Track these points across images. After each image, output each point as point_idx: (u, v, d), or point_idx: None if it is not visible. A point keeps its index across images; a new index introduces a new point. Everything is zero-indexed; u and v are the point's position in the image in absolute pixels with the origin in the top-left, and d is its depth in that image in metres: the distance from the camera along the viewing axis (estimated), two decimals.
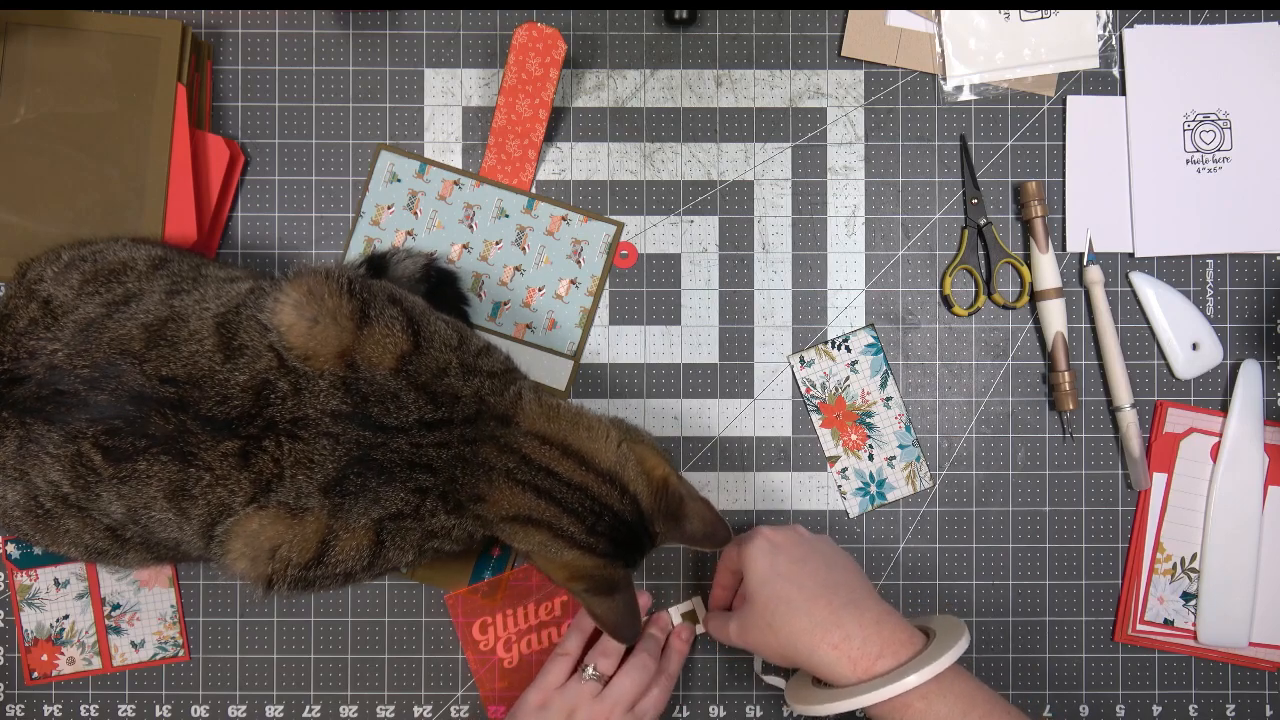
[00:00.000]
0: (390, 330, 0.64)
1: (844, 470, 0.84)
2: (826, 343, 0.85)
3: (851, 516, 0.85)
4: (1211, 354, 0.84)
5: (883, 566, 0.85)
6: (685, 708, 0.84)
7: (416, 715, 0.84)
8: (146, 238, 0.78)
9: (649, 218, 0.85)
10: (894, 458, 0.84)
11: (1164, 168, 0.85)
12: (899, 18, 0.84)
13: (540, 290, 0.84)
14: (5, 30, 0.78)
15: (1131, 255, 0.85)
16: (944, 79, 0.85)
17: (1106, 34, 0.85)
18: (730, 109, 0.85)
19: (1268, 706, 0.84)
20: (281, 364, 0.62)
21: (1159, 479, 0.84)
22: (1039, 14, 0.84)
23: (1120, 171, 0.85)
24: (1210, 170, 0.84)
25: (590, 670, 0.76)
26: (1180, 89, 0.85)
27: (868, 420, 0.84)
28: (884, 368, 0.84)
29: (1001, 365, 0.85)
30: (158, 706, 0.84)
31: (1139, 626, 0.84)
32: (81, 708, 0.83)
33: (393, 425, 0.63)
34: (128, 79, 0.79)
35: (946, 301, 0.85)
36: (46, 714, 0.83)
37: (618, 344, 0.85)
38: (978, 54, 0.84)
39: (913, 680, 0.64)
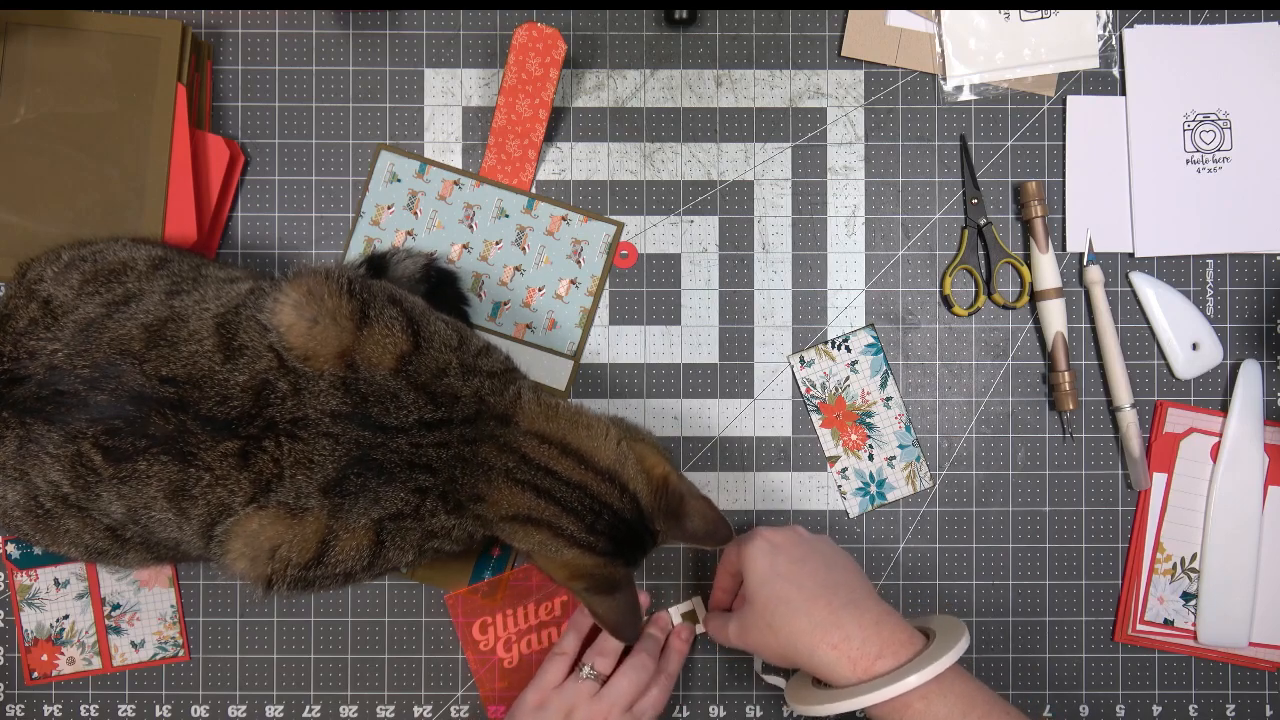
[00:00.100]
0: (390, 330, 0.64)
1: (844, 470, 0.84)
2: (826, 343, 0.85)
3: (851, 516, 0.85)
4: (1211, 354, 0.84)
5: (883, 566, 0.85)
6: (685, 708, 0.84)
7: (416, 715, 0.84)
8: (146, 238, 0.78)
9: (649, 218, 0.85)
10: (894, 458, 0.84)
11: (1164, 168, 0.85)
12: (899, 18, 0.84)
13: (540, 290, 0.84)
14: (5, 30, 0.78)
15: (1131, 255, 0.85)
16: (944, 79, 0.85)
17: (1106, 34, 0.85)
18: (730, 109, 0.85)
19: (1268, 706, 0.84)
20: (281, 364, 0.62)
21: (1159, 479, 0.84)
22: (1039, 14, 0.84)
23: (1120, 171, 0.85)
24: (1210, 170, 0.84)
25: (587, 670, 0.76)
26: (1180, 89, 0.85)
27: (868, 420, 0.84)
28: (884, 368, 0.84)
29: (1001, 365, 0.85)
30: (158, 706, 0.84)
31: (1139, 626, 0.84)
32: (81, 708, 0.83)
33: (392, 425, 0.63)
34: (128, 79, 0.79)
35: (946, 301, 0.85)
36: (46, 714, 0.83)
37: (618, 344, 0.85)
38: (978, 54, 0.84)
39: (913, 681, 0.64)
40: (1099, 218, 0.85)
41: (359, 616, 0.84)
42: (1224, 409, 0.84)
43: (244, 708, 0.84)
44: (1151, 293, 0.84)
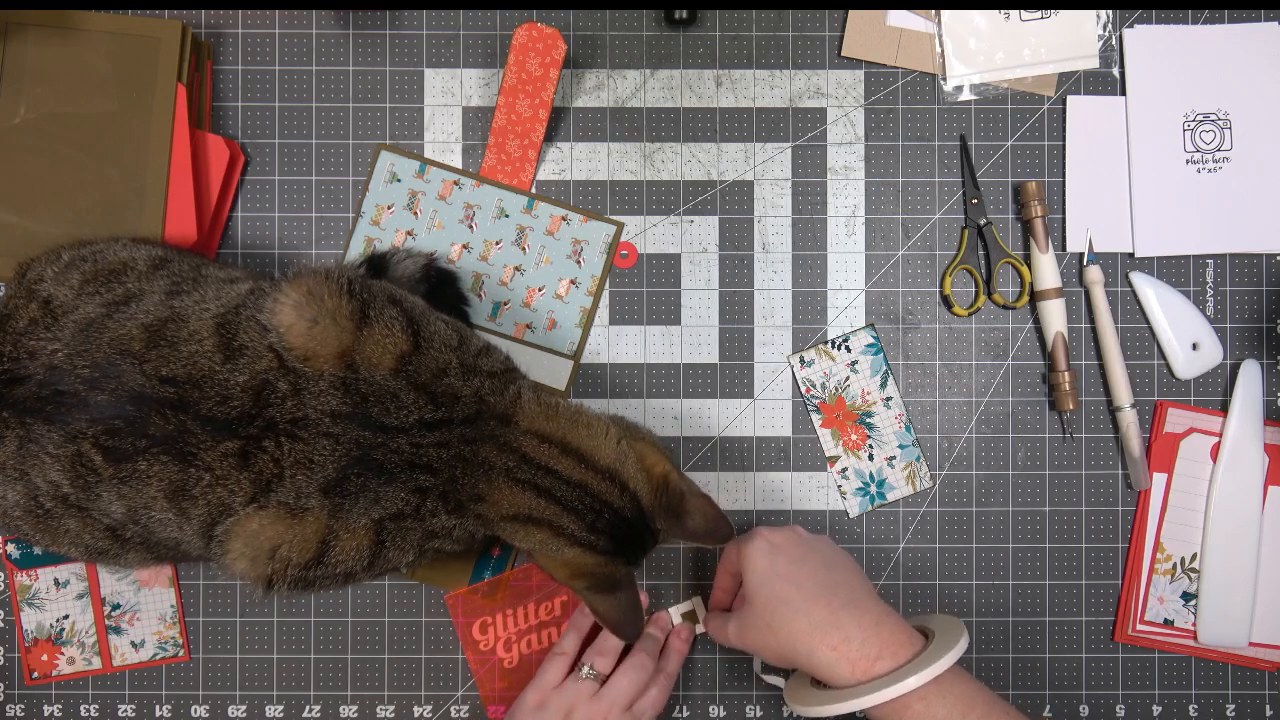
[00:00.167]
0: (390, 330, 0.64)
1: (844, 470, 0.84)
2: (826, 343, 0.85)
3: (851, 516, 0.85)
4: (1211, 354, 0.84)
5: (883, 566, 0.85)
6: (685, 708, 0.84)
7: (416, 715, 0.84)
8: (147, 238, 0.78)
9: (649, 218, 0.85)
10: (894, 458, 0.84)
11: (1164, 168, 0.85)
12: (899, 18, 0.84)
13: (540, 290, 0.84)
14: (5, 30, 0.78)
15: (1131, 255, 0.85)
16: (944, 79, 0.85)
17: (1106, 34, 0.85)
18: (730, 109, 0.85)
19: (1268, 706, 0.84)
20: (281, 364, 0.62)
21: (1159, 479, 0.84)
22: (1039, 14, 0.84)
23: (1120, 171, 0.85)
24: (1210, 170, 0.84)
25: (587, 669, 0.76)
26: (1180, 89, 0.85)
27: (868, 420, 0.84)
28: (884, 368, 0.84)
29: (1001, 365, 0.85)
30: (158, 706, 0.84)
31: (1139, 626, 0.84)
32: (81, 708, 0.83)
33: (393, 425, 0.63)
34: (128, 79, 0.79)
35: (946, 301, 0.85)
36: (46, 714, 0.83)
37: (618, 344, 0.85)
38: (978, 54, 0.84)
39: (912, 682, 0.64)
40: (1099, 218, 0.85)
41: (359, 616, 0.84)
42: (1224, 409, 0.84)
43: (244, 708, 0.84)
44: (1151, 293, 0.84)
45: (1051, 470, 0.85)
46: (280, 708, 0.84)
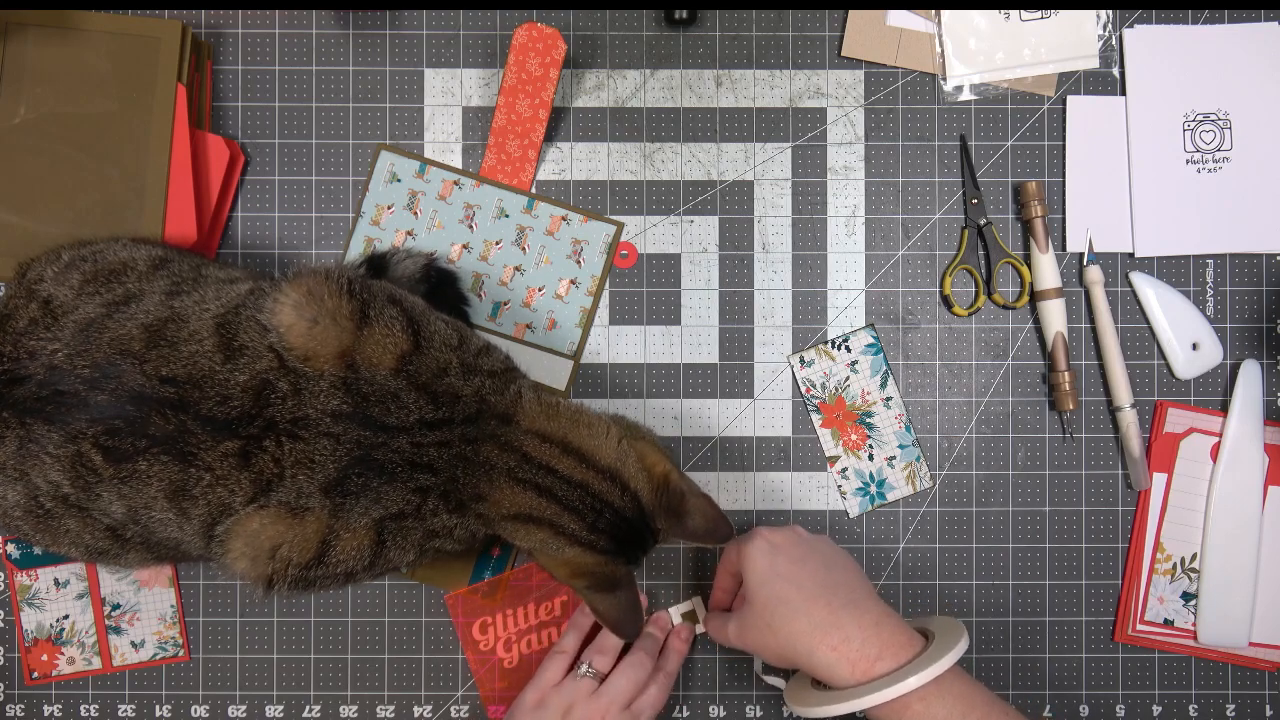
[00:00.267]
0: (390, 330, 0.64)
1: (844, 470, 0.84)
2: (826, 343, 0.85)
3: (851, 516, 0.85)
4: (1211, 354, 0.84)
5: (883, 566, 0.85)
6: (685, 708, 0.84)
7: (416, 715, 0.84)
8: (147, 238, 0.78)
9: (649, 218, 0.85)
10: (894, 458, 0.84)
11: (1164, 168, 0.85)
12: (899, 18, 0.84)
13: (540, 290, 0.84)
14: (5, 30, 0.78)
15: (1131, 255, 0.85)
16: (944, 79, 0.85)
17: (1106, 34, 0.85)
18: (730, 109, 0.85)
19: (1268, 706, 0.84)
20: (281, 364, 0.62)
21: (1159, 479, 0.84)
22: (1039, 14, 0.84)
23: (1120, 171, 0.85)
24: (1210, 170, 0.84)
25: (585, 668, 0.76)
26: (1180, 89, 0.85)
27: (868, 420, 0.84)
28: (884, 368, 0.84)
29: (1001, 365, 0.85)
30: (158, 706, 0.84)
31: (1139, 626, 0.84)
32: (81, 708, 0.83)
33: (393, 425, 0.63)
34: (128, 79, 0.79)
35: (946, 301, 0.85)
36: (46, 714, 0.83)
37: (618, 344, 0.85)
38: (978, 54, 0.84)
39: (912, 683, 0.64)
40: (1099, 218, 0.85)
41: (359, 616, 0.84)
42: (1224, 409, 0.84)
43: (244, 708, 0.84)
44: (1151, 293, 0.84)
45: (1051, 470, 0.85)
46: (280, 708, 0.84)
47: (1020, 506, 0.85)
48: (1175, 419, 0.84)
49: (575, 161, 0.85)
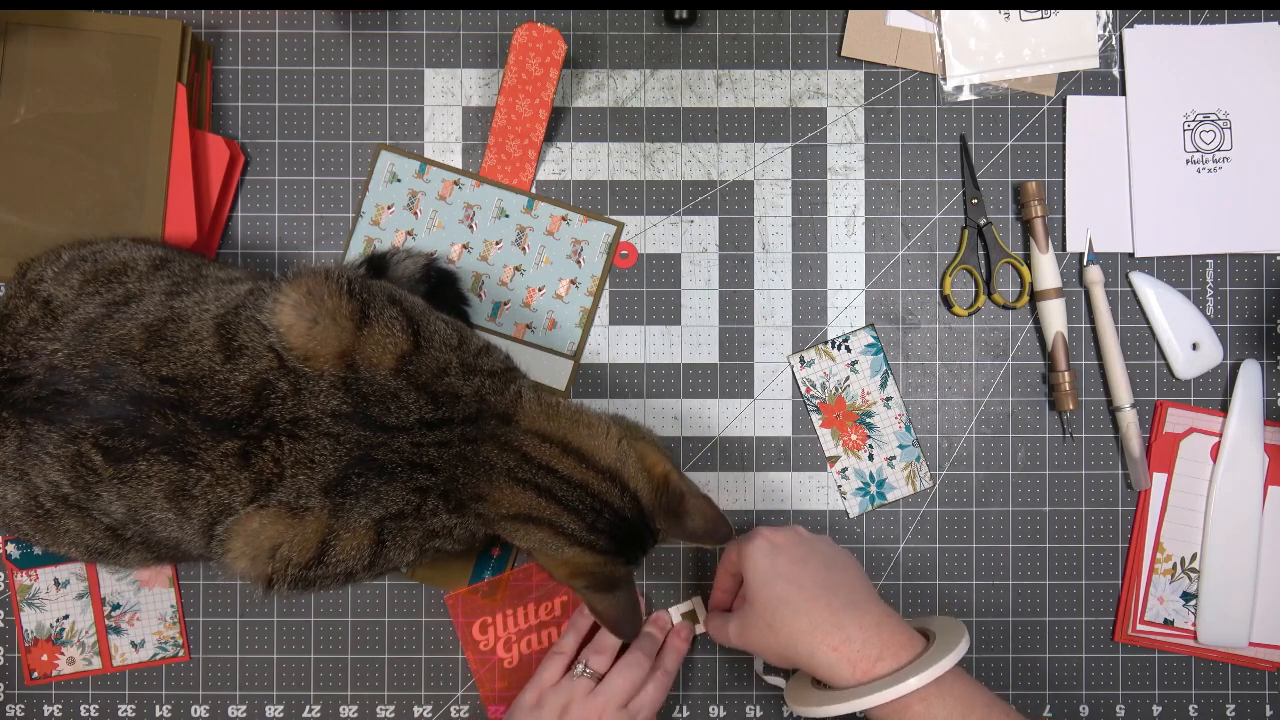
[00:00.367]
0: (390, 330, 0.64)
1: (844, 470, 0.84)
2: (826, 343, 0.85)
3: (851, 516, 0.85)
4: (1211, 354, 0.84)
5: (883, 566, 0.85)
6: (685, 708, 0.84)
7: (416, 715, 0.84)
8: (147, 238, 0.78)
9: (649, 218, 0.85)
10: (894, 458, 0.84)
11: (1164, 168, 0.85)
12: (899, 18, 0.84)
13: (540, 290, 0.84)
14: (5, 30, 0.78)
15: (1131, 255, 0.85)
16: (944, 79, 0.85)
17: (1106, 34, 0.85)
18: (730, 109, 0.85)
19: (1268, 706, 0.84)
20: (281, 364, 0.62)
21: (1159, 479, 0.84)
22: (1039, 14, 0.84)
23: (1120, 171, 0.85)
24: (1210, 170, 0.84)
25: (582, 667, 0.76)
26: (1180, 89, 0.85)
27: (868, 420, 0.84)
28: (884, 368, 0.84)
29: (1001, 365, 0.85)
30: (158, 706, 0.84)
31: (1139, 626, 0.84)
32: (81, 708, 0.83)
33: (393, 425, 0.63)
34: (128, 79, 0.79)
35: (946, 301, 0.85)
36: (46, 714, 0.83)
37: (618, 344, 0.85)
38: (978, 54, 0.84)
39: (912, 683, 0.64)
40: (1099, 218, 0.85)
41: (359, 616, 0.84)
42: (1224, 409, 0.84)
43: (244, 708, 0.84)
44: (1151, 293, 0.84)
45: (1051, 470, 0.85)
46: (280, 708, 0.84)
47: (1020, 506, 0.85)
48: (1175, 419, 0.84)
49: (575, 161, 0.85)
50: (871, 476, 0.84)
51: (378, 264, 0.81)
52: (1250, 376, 0.84)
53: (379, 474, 0.63)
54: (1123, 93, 0.85)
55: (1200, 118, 0.85)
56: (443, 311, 0.71)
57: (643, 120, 0.85)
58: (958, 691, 0.65)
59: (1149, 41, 0.85)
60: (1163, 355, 0.85)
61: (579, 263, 0.84)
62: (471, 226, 0.84)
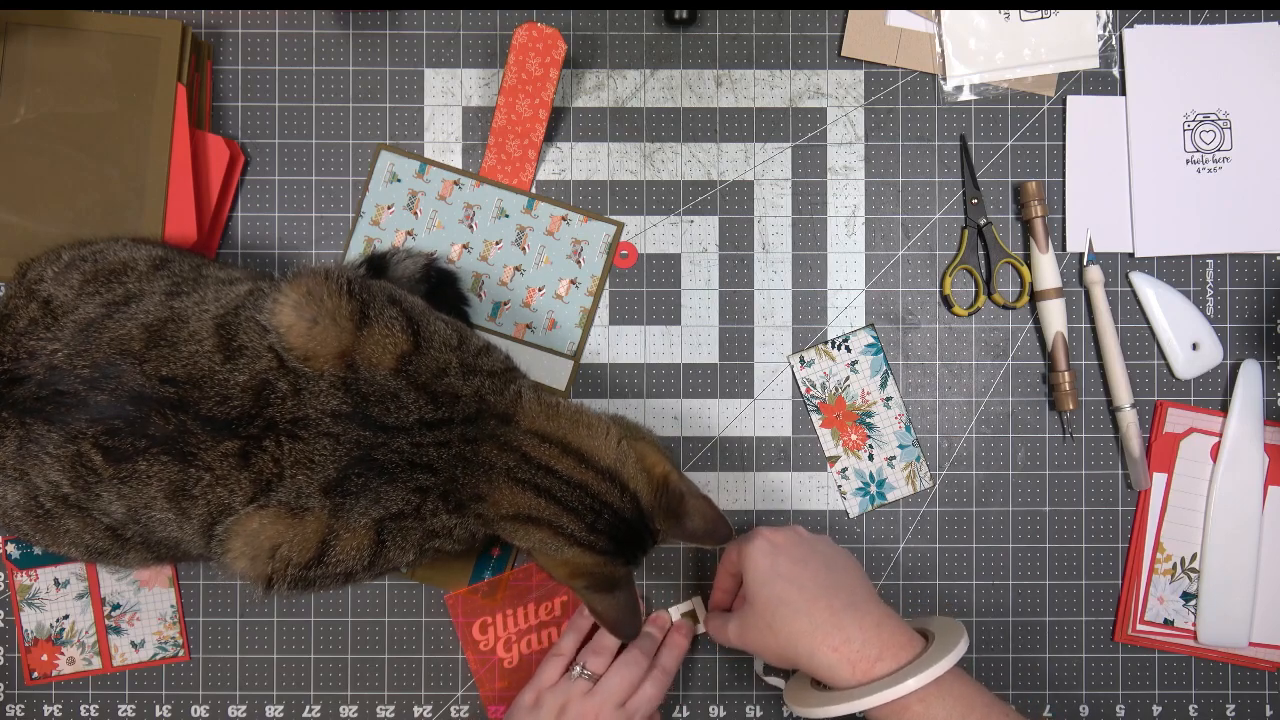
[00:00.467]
0: (390, 330, 0.64)
1: (844, 470, 0.84)
2: (826, 343, 0.85)
3: (851, 516, 0.85)
4: (1211, 354, 0.84)
5: (883, 566, 0.85)
6: (685, 708, 0.84)
7: (416, 715, 0.84)
8: (147, 238, 0.78)
9: (649, 218, 0.85)
10: (894, 458, 0.84)
11: (1164, 168, 0.84)
12: (899, 18, 0.84)
13: (540, 290, 0.84)
14: (5, 30, 0.78)
15: (1131, 255, 0.85)
16: (944, 79, 0.85)
17: (1106, 34, 0.85)
18: (730, 109, 0.85)
19: (1268, 706, 0.84)
20: (281, 364, 0.62)
21: (1159, 479, 0.84)
22: (1039, 14, 0.84)
23: (1120, 171, 0.85)
24: (1210, 170, 0.84)
25: (580, 668, 0.76)
26: (1180, 89, 0.85)
27: (868, 420, 0.84)
28: (884, 368, 0.84)
29: (1001, 365, 0.85)
30: (158, 706, 0.84)
31: (1139, 626, 0.84)
32: (81, 708, 0.83)
33: (393, 425, 0.63)
34: (128, 79, 0.79)
35: (946, 301, 0.85)
36: (46, 714, 0.83)
37: (618, 344, 0.85)
38: (978, 54, 0.84)
39: (912, 684, 0.64)
40: (1099, 218, 0.85)
41: (359, 616, 0.84)
42: (1224, 409, 0.84)
43: (244, 708, 0.84)
44: (1151, 293, 0.84)
45: (1051, 470, 0.85)
46: (280, 708, 0.84)
47: (1020, 506, 0.85)
48: (1175, 419, 0.84)
49: (575, 161, 0.85)
50: (871, 476, 0.84)
51: (378, 264, 0.81)
52: (1250, 376, 0.84)
53: (379, 474, 0.63)
54: (1123, 93, 0.85)
55: (1200, 118, 0.85)
56: (443, 311, 0.71)
57: (643, 120, 0.85)
58: (957, 692, 0.66)
59: (1149, 41, 0.85)
60: (1163, 355, 0.85)
61: (579, 263, 0.84)
62: (471, 226, 0.84)
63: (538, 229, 0.84)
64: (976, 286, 0.85)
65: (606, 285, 0.85)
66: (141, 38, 0.79)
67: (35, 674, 0.83)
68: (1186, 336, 0.84)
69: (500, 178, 0.84)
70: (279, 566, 0.63)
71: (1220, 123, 0.84)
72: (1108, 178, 0.85)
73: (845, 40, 0.85)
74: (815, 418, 0.84)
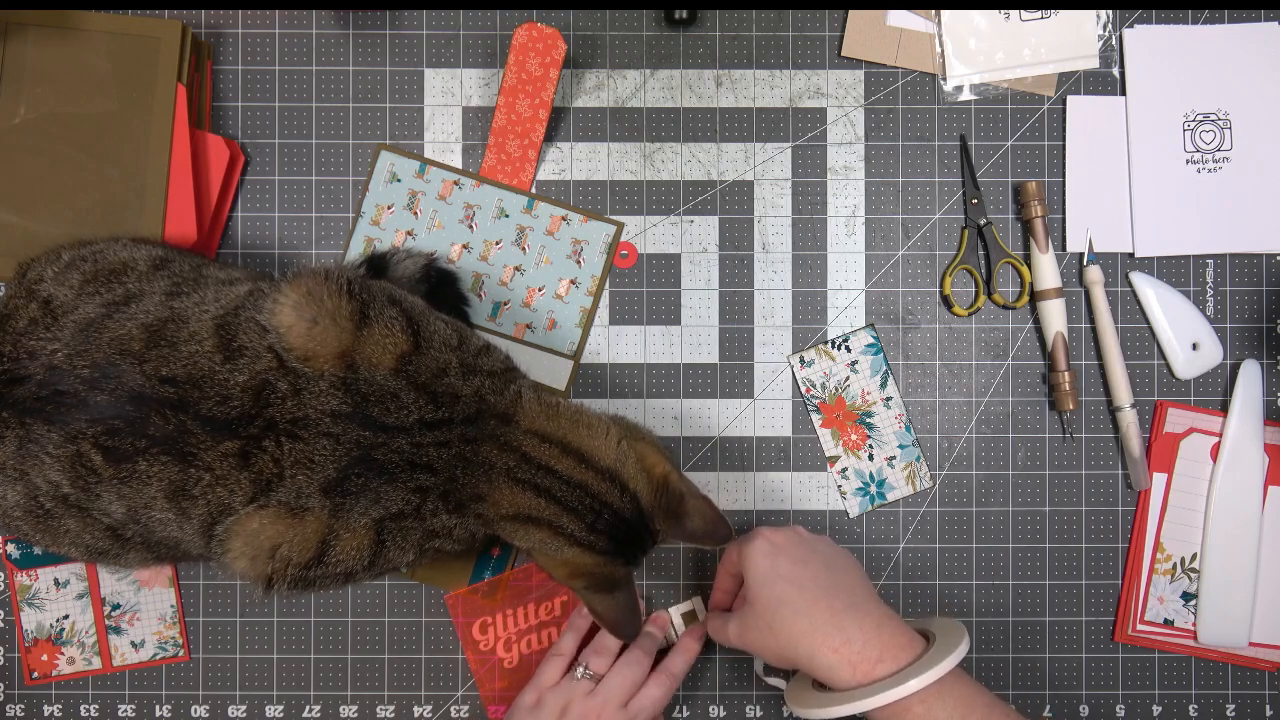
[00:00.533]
0: (390, 330, 0.64)
1: (844, 470, 0.84)
2: (826, 343, 0.85)
3: (851, 516, 0.85)
4: (1211, 354, 0.84)
5: (883, 567, 0.85)
6: (685, 708, 0.84)
7: (416, 715, 0.84)
8: (147, 238, 0.78)
9: (649, 218, 0.85)
10: (894, 458, 0.84)
11: (1164, 168, 0.85)
12: (899, 18, 0.84)
13: (540, 290, 0.84)
14: (5, 30, 0.78)
15: (1131, 255, 0.85)
16: (944, 79, 0.85)
17: (1106, 34, 0.85)
18: (730, 109, 0.85)
19: (1268, 706, 0.84)
20: (281, 365, 0.62)
21: (1159, 479, 0.84)
22: (1039, 14, 0.84)
23: (1120, 171, 0.85)
24: (1210, 170, 0.84)
25: (582, 669, 0.76)
26: (1180, 89, 0.85)
27: (868, 420, 0.84)
28: (884, 368, 0.84)
29: (1001, 365, 0.85)
30: (158, 706, 0.84)
31: (1139, 626, 0.84)
32: (81, 708, 0.83)
33: (393, 425, 0.63)
34: (128, 79, 0.79)
35: (946, 301, 0.85)
36: (46, 714, 0.83)
37: (618, 344, 0.85)
38: (978, 54, 0.84)
39: (913, 685, 0.64)
40: (1099, 218, 0.85)
41: (359, 616, 0.84)
42: (1224, 409, 0.84)
43: (244, 708, 0.84)
44: (1151, 293, 0.84)
45: (1051, 470, 0.85)
46: (280, 708, 0.84)
47: (1020, 506, 0.85)
48: (1175, 419, 0.84)
49: (575, 161, 0.85)
50: (871, 476, 0.84)
51: (378, 264, 0.81)
52: (1250, 376, 0.84)
53: (379, 474, 0.63)
54: (1123, 93, 0.85)
55: (1200, 118, 0.85)
56: (443, 311, 0.71)
57: (643, 120, 0.85)
58: (958, 693, 0.65)
59: (1149, 41, 0.85)
60: (1163, 355, 0.85)
61: (579, 263, 0.84)
62: (471, 226, 0.84)
63: (538, 229, 0.84)
64: (976, 286, 0.85)
65: (606, 285, 0.85)
66: (141, 38, 0.79)
67: (35, 674, 0.83)
68: (1186, 336, 0.84)
69: (500, 178, 0.84)
70: (279, 566, 0.63)
71: (1220, 123, 0.84)
72: (1108, 178, 0.85)
73: (845, 40, 0.85)
74: (815, 418, 0.84)
